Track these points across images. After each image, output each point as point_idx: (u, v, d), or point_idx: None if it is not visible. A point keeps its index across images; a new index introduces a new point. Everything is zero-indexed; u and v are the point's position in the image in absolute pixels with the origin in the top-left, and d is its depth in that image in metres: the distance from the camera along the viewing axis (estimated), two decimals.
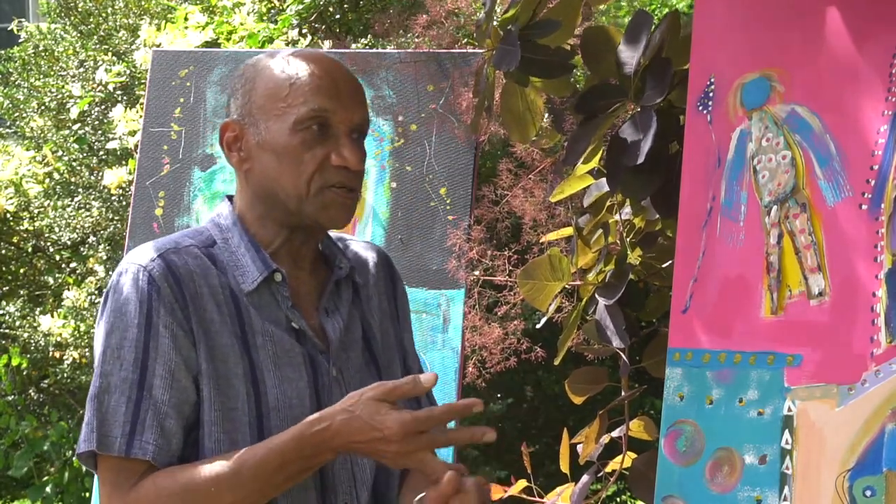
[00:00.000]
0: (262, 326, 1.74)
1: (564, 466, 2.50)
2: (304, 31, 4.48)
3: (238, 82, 1.79)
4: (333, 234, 1.90)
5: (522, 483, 2.66)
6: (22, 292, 5.60)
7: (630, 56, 2.15)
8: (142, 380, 1.67)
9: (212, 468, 1.65)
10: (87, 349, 5.02)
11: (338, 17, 4.71)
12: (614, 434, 2.43)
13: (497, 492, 2.65)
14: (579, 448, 2.48)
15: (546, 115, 2.61)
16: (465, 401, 1.63)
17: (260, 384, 1.72)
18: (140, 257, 1.72)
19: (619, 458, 2.39)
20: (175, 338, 1.68)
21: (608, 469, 2.43)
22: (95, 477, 3.33)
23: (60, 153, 5.28)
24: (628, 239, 2.39)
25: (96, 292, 5.04)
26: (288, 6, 4.40)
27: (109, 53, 5.18)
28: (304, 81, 1.74)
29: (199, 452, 1.70)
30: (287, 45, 4.29)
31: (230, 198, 1.84)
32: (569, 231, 2.56)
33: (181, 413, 1.68)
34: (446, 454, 2.84)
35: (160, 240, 1.78)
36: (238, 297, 1.74)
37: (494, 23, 2.30)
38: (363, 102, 1.78)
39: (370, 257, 1.93)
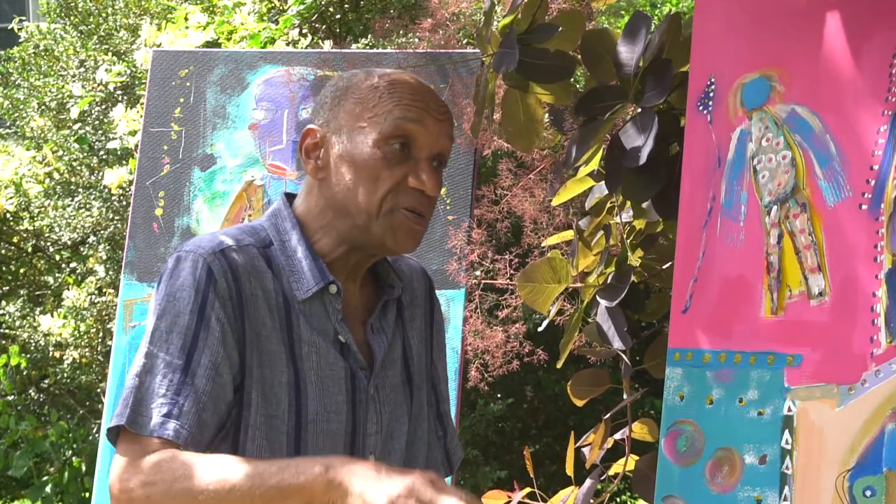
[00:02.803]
0: (310, 337, 1.72)
1: (569, 470, 2.50)
2: (304, 31, 4.48)
3: (328, 91, 1.77)
4: None
5: (527, 490, 2.65)
6: (22, 292, 5.60)
7: (629, 57, 2.15)
8: (186, 366, 1.65)
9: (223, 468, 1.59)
10: (87, 349, 5.02)
11: (338, 17, 4.71)
12: (617, 436, 2.42)
13: (500, 498, 2.65)
14: (583, 450, 2.48)
15: (546, 116, 2.60)
16: None
17: (302, 395, 1.70)
18: (202, 248, 1.70)
19: (623, 460, 2.39)
20: (224, 333, 1.66)
21: (612, 472, 2.43)
22: (96, 475, 3.34)
23: (60, 153, 5.28)
24: (629, 241, 2.39)
25: (96, 292, 5.04)
26: (290, 7, 4.40)
27: (109, 53, 5.19)
28: (394, 98, 1.71)
29: (241, 455, 1.68)
30: (287, 45, 4.29)
31: (289, 196, 1.81)
32: (570, 234, 2.55)
33: (218, 408, 1.66)
34: None
35: (220, 233, 1.74)
36: (290, 303, 1.72)
37: (494, 28, 2.30)
38: (449, 132, 1.75)
39: (415, 278, 1.91)
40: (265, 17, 4.50)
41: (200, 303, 1.66)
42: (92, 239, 5.16)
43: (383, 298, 1.82)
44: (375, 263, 1.83)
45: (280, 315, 1.71)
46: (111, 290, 4.98)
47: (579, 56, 2.34)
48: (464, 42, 3.69)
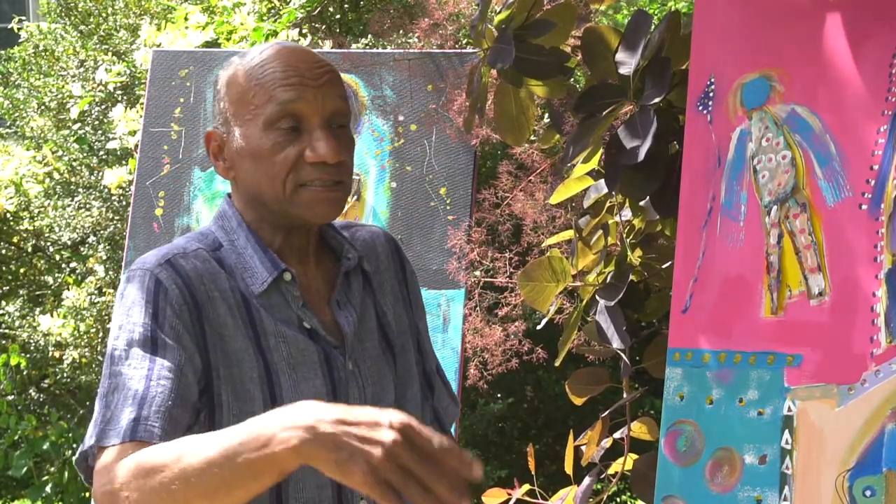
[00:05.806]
0: (275, 328, 1.72)
1: (569, 468, 2.50)
2: (304, 30, 4.48)
3: (215, 88, 1.78)
4: (338, 221, 1.87)
5: (526, 487, 2.66)
6: (22, 292, 5.60)
7: (629, 56, 2.15)
8: (150, 373, 1.64)
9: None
10: (86, 349, 5.02)
11: (338, 17, 4.71)
12: (616, 435, 2.42)
13: (500, 495, 2.65)
14: (583, 449, 2.48)
15: (545, 116, 2.60)
16: (471, 462, 1.41)
17: (275, 387, 1.70)
18: (147, 262, 1.71)
19: (622, 459, 2.39)
20: (180, 338, 1.66)
21: (611, 471, 2.43)
22: None
23: (60, 153, 5.28)
24: (628, 240, 2.39)
25: (96, 292, 5.04)
26: (291, 0, 4.39)
27: (109, 53, 5.18)
28: (268, 79, 1.70)
29: None
30: None
31: (230, 196, 1.82)
32: (569, 234, 2.55)
33: (186, 405, 1.65)
34: None
35: (167, 246, 1.76)
36: (248, 299, 1.72)
37: (489, 24, 2.30)
38: (335, 89, 1.73)
39: (378, 243, 1.91)
40: (265, 17, 4.49)
41: (153, 313, 1.66)
42: (92, 239, 5.16)
43: (342, 271, 1.81)
44: (327, 237, 1.83)
45: (241, 312, 1.71)
46: (111, 290, 4.98)
47: (572, 52, 2.34)
48: (463, 42, 3.69)
